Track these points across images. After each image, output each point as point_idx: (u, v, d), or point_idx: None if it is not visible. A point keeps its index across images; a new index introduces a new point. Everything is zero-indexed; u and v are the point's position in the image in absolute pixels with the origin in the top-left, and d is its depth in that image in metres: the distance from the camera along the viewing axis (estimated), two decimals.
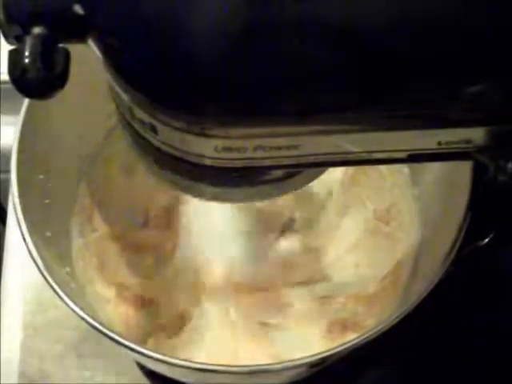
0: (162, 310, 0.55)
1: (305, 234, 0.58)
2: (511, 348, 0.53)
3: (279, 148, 0.31)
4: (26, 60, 0.28)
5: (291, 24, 0.28)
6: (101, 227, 0.58)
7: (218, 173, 0.32)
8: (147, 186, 0.57)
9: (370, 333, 0.43)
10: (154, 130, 0.31)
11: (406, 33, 0.28)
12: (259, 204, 0.57)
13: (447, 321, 0.53)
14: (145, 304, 0.56)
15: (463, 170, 0.47)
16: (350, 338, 0.44)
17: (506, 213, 0.46)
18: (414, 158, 0.33)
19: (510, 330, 0.52)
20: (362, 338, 0.43)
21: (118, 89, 0.30)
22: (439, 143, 0.32)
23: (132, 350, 0.43)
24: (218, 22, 0.27)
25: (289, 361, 0.44)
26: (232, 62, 0.28)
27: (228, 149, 0.31)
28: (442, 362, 0.54)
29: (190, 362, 0.44)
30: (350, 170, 0.59)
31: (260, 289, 0.56)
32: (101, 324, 0.44)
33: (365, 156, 0.33)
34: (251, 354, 0.54)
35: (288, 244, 0.58)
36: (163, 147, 0.32)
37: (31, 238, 0.46)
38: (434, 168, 0.55)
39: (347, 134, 0.31)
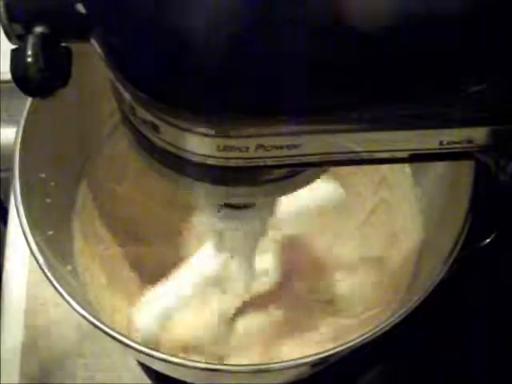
0: None
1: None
2: None
3: (281, 147, 0.31)
4: (29, 59, 0.28)
5: (293, 23, 0.28)
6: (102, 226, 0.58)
7: (219, 172, 0.32)
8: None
9: (371, 333, 0.43)
10: (155, 128, 0.31)
11: (408, 32, 0.28)
12: None
13: (448, 321, 0.53)
14: None
15: (465, 170, 0.47)
16: (351, 338, 0.44)
17: (507, 213, 0.46)
18: (416, 157, 0.33)
19: (510, 330, 0.52)
20: (363, 337, 0.43)
21: (119, 87, 0.30)
22: (441, 143, 0.32)
23: (133, 348, 0.43)
24: (219, 21, 0.27)
25: (289, 360, 0.44)
26: (235, 62, 0.28)
27: (230, 148, 0.31)
28: (443, 361, 0.54)
29: (191, 361, 0.44)
30: None
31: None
32: (102, 323, 0.44)
33: (366, 155, 0.33)
34: None
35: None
36: (165, 146, 0.32)
37: (33, 236, 0.47)
38: (436, 168, 0.55)
39: (349, 133, 0.31)
